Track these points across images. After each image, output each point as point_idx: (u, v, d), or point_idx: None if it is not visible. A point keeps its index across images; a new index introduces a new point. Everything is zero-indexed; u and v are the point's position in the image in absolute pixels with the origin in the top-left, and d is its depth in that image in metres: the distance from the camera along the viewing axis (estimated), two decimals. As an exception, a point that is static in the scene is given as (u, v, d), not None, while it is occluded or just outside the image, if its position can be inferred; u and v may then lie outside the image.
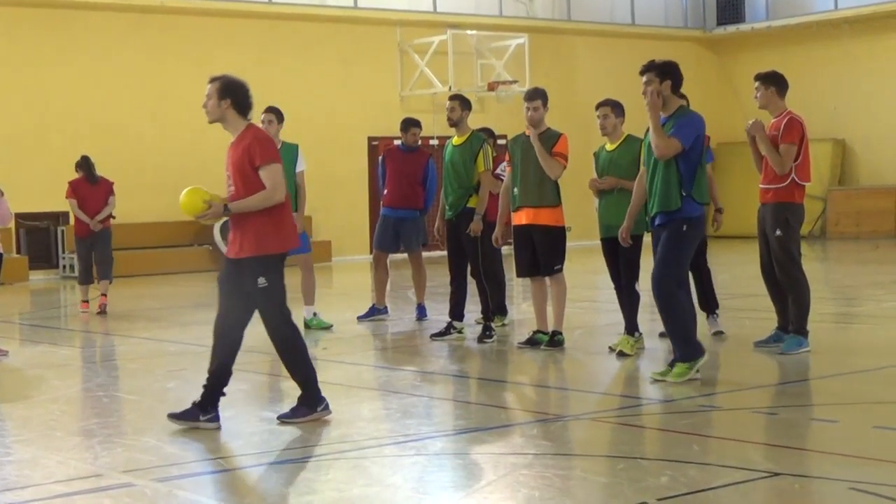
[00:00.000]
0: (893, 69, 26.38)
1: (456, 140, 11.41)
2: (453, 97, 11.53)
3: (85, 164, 15.14)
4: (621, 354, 9.82)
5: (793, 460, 6.20)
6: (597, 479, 5.93)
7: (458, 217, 11.26)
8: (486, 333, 10.98)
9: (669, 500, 5.51)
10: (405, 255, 13.17)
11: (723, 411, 7.69)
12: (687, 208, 8.40)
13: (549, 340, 10.32)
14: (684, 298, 8.49)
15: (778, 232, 9.69)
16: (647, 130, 8.58)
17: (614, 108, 10.12)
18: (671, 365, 8.50)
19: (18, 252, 20.78)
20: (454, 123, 11.38)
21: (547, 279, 10.37)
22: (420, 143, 12.98)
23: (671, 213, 8.41)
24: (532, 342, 10.45)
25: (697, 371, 8.42)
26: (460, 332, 11.31)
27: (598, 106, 10.18)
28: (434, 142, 23.61)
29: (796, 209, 9.75)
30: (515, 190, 10.34)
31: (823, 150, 26.37)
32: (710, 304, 10.80)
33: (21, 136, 20.87)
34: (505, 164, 11.22)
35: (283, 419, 7.48)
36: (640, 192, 8.93)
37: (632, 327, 10.06)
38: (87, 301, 14.59)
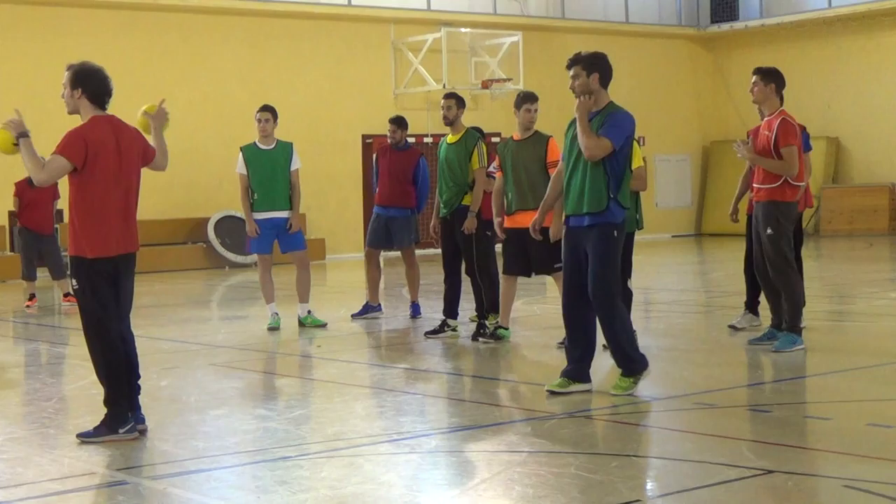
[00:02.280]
0: (887, 67, 26.44)
1: (451, 138, 11.42)
2: (449, 95, 11.53)
3: None
4: (615, 352, 9.81)
5: (787, 458, 6.20)
6: (591, 476, 5.92)
7: (452, 215, 11.27)
8: (479, 331, 10.98)
9: (663, 498, 5.52)
10: (399, 253, 13.18)
11: (717, 409, 7.69)
12: (613, 212, 7.94)
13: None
14: (623, 308, 8.17)
15: (769, 231, 9.68)
16: (570, 125, 8.11)
17: None
18: (564, 374, 8.12)
19: (12, 250, 20.74)
20: (450, 122, 11.39)
21: (551, 279, 10.43)
22: (404, 140, 12.80)
23: (597, 214, 7.92)
24: (494, 336, 10.65)
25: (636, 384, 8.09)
26: (454, 329, 11.31)
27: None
28: (428, 139, 23.63)
29: (787, 208, 9.75)
30: (509, 194, 10.33)
31: (817, 147, 26.29)
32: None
33: (14, 133, 20.82)
34: (496, 163, 11.23)
35: (84, 437, 6.90)
36: (558, 187, 8.44)
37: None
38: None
